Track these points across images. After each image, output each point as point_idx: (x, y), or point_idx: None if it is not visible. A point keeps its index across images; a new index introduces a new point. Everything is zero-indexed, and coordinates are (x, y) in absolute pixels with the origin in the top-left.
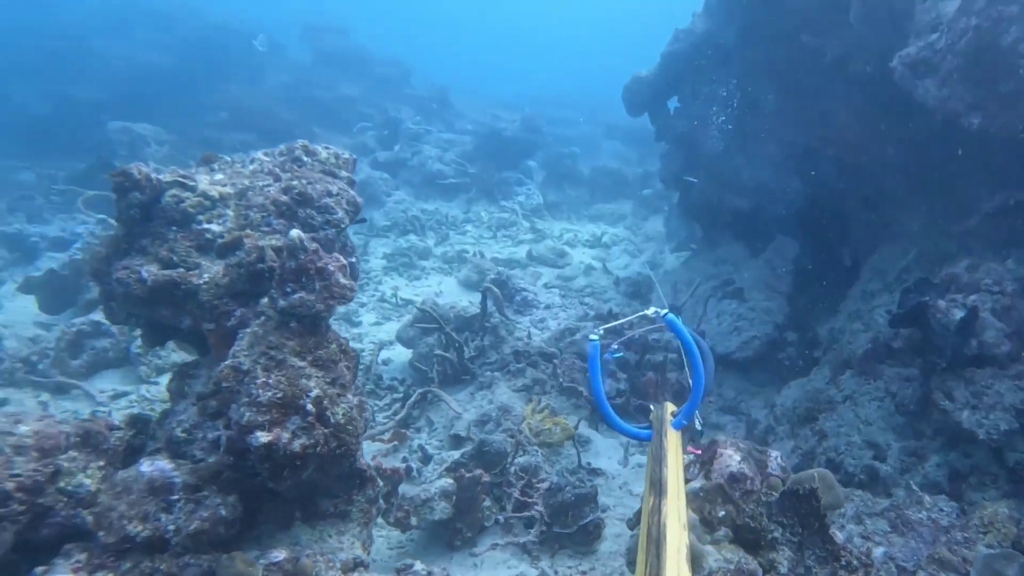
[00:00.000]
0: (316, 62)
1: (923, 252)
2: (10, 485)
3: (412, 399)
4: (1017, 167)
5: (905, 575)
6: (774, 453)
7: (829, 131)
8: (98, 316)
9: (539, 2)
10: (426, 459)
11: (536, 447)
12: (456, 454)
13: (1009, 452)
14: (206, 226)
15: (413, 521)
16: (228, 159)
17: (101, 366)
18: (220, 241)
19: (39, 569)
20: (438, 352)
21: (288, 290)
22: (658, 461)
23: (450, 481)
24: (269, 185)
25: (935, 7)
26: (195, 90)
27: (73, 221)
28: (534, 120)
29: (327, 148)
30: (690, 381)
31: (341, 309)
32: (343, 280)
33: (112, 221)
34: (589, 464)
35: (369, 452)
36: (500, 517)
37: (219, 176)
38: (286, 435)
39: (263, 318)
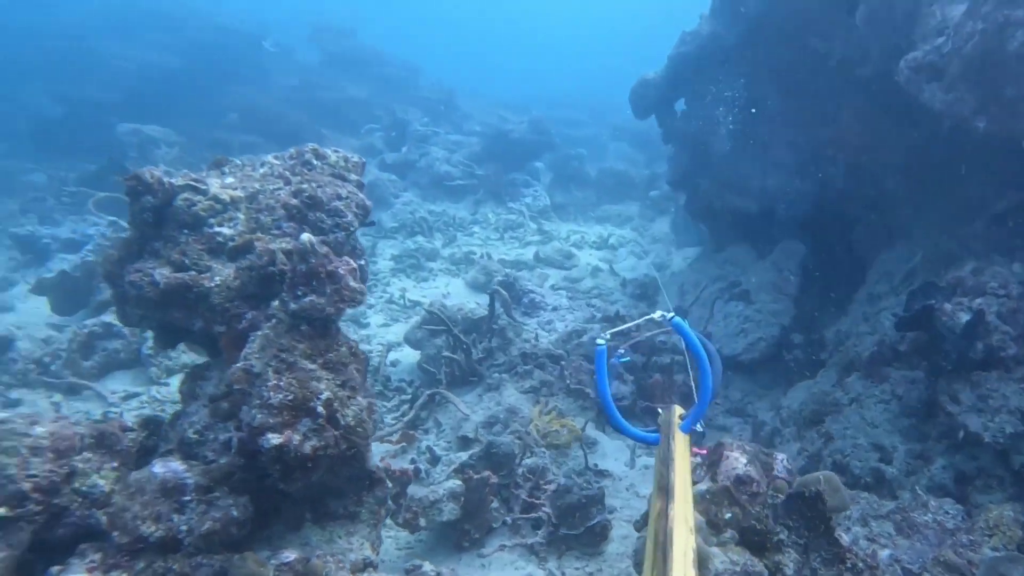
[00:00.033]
0: (324, 63)
1: (929, 255)
2: (27, 485)
3: (420, 401)
4: (1023, 170)
5: None
6: (780, 456)
7: (835, 133)
8: (109, 317)
9: (541, 3)
10: (434, 460)
11: (543, 449)
12: (464, 455)
13: (1015, 455)
14: (217, 229)
15: (422, 522)
16: (239, 162)
17: (112, 367)
18: (231, 244)
19: (55, 568)
20: (446, 354)
21: (299, 293)
22: (665, 465)
23: (458, 483)
24: (279, 188)
25: (941, 11)
26: (204, 92)
27: (84, 222)
28: (541, 122)
29: (336, 151)
30: (697, 384)
31: (349, 311)
32: (353, 283)
33: (123, 223)
34: (596, 465)
35: (377, 453)
36: (508, 518)
37: (230, 179)
38: (297, 437)
39: (274, 321)
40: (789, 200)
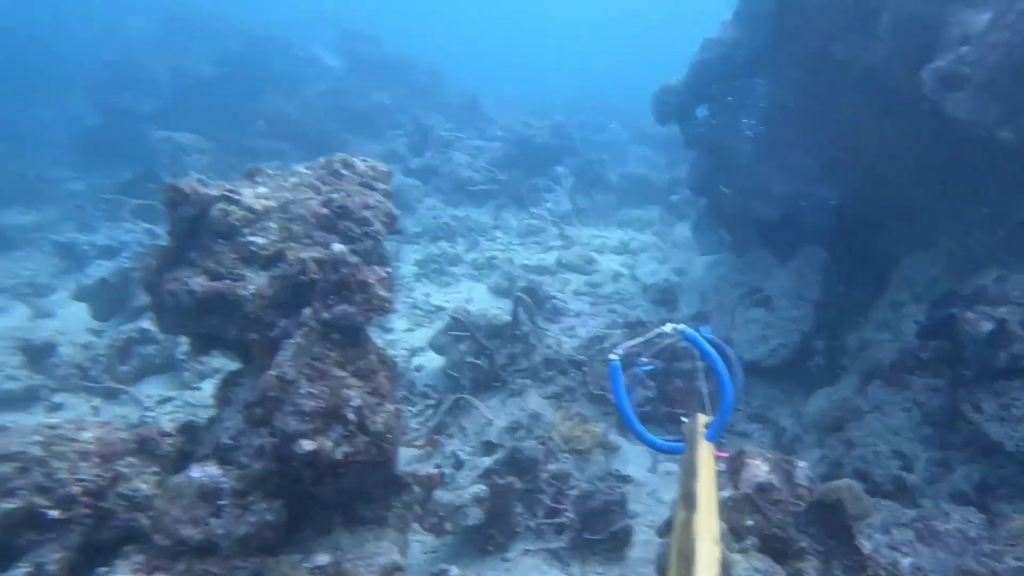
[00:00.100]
0: (350, 70)
1: (952, 263)
2: (76, 489)
3: (445, 406)
4: None
5: None
6: (801, 464)
7: (858, 140)
8: (145, 323)
9: (563, 9)
10: (459, 465)
11: (567, 454)
12: (488, 460)
13: None
14: (251, 239)
15: (447, 527)
16: (270, 172)
17: (148, 372)
18: (264, 253)
19: (102, 569)
20: (470, 359)
21: (330, 302)
22: (690, 474)
23: (483, 487)
24: (310, 198)
25: (966, 20)
26: (235, 99)
27: (119, 229)
28: (563, 127)
29: (365, 161)
30: (717, 390)
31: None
32: (382, 292)
33: (157, 230)
34: (618, 471)
35: (403, 458)
36: (532, 523)
37: (262, 189)
38: (329, 443)
39: (306, 329)
40: (811, 206)
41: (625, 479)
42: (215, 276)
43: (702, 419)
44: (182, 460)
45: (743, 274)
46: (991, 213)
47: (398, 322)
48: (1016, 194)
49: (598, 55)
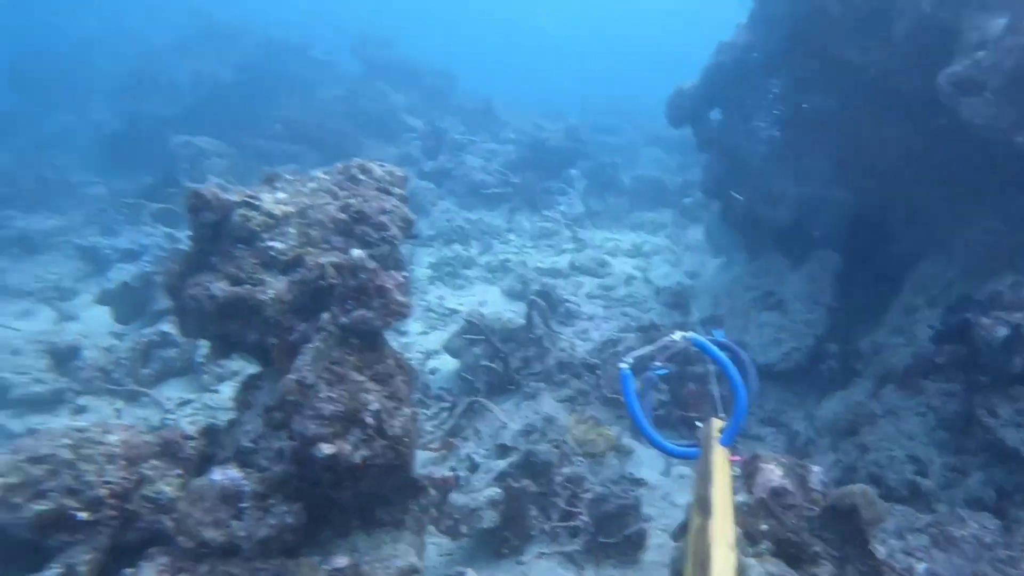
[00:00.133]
0: (365, 74)
1: (967, 267)
2: (104, 491)
3: (460, 409)
4: None
5: None
6: (815, 468)
7: (872, 144)
8: (165, 326)
9: (574, 11)
10: (473, 468)
11: (580, 457)
12: (503, 463)
13: None
14: (270, 244)
15: (463, 529)
16: (289, 177)
17: (168, 374)
18: (283, 258)
19: (128, 571)
20: (484, 363)
21: (349, 307)
22: (705, 479)
23: (498, 490)
24: (328, 203)
25: (982, 25)
26: (253, 103)
27: (140, 233)
28: (576, 129)
29: (382, 166)
30: (730, 393)
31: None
32: (400, 298)
33: (177, 234)
34: (631, 474)
35: (418, 461)
36: (546, 526)
37: (281, 195)
38: (348, 447)
39: (325, 334)
40: (825, 210)
41: (639, 482)
42: (236, 281)
43: (716, 424)
44: (204, 463)
45: (756, 277)
46: (1007, 218)
47: (412, 325)
48: None
49: (608, 57)
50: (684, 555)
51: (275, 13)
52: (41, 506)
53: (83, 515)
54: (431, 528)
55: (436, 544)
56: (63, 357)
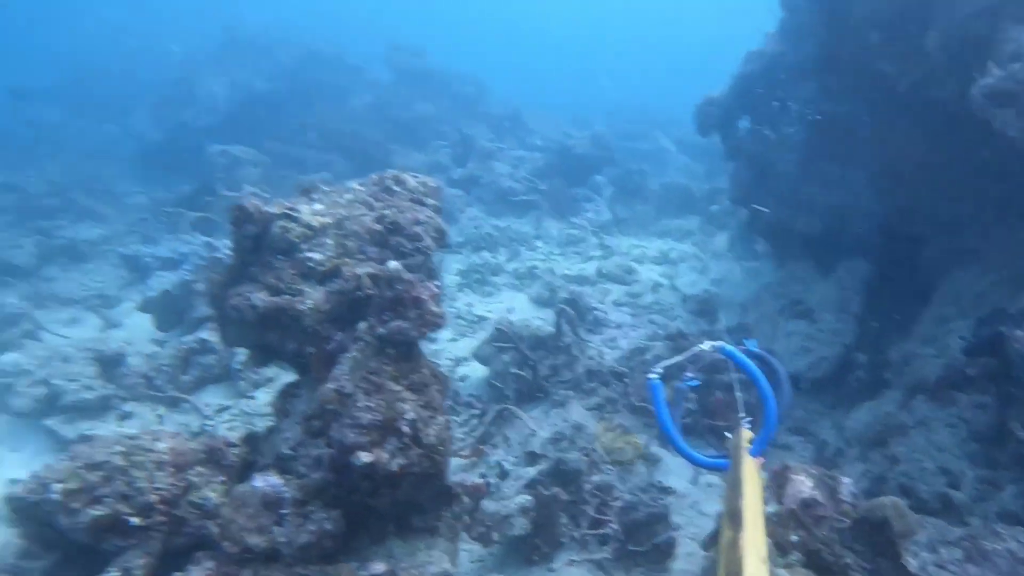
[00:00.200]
0: (396, 82)
1: (1000, 279)
2: (154, 497)
3: (490, 416)
4: None
5: None
6: (846, 480)
7: (904, 155)
8: (204, 334)
9: (600, 20)
10: (503, 475)
11: (609, 465)
12: (532, 471)
13: None
14: (308, 255)
15: (494, 536)
16: (326, 188)
17: (207, 381)
18: (320, 269)
19: (177, 574)
20: (513, 370)
21: (385, 318)
22: (735, 491)
23: (529, 498)
24: (364, 214)
25: (1018, 37)
26: (287, 112)
27: (179, 241)
28: (603, 137)
29: (415, 177)
30: (759, 401)
31: None
32: (435, 308)
33: (215, 243)
34: (660, 482)
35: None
36: (576, 534)
37: (319, 206)
38: (385, 455)
39: (362, 344)
40: (855, 219)
41: (667, 491)
42: (275, 291)
43: (746, 435)
44: (246, 469)
45: (784, 286)
46: None
47: (442, 332)
48: None
49: (635, 64)
50: (715, 567)
51: (307, 22)
52: (97, 511)
53: (136, 520)
54: (464, 535)
55: (468, 551)
56: (109, 364)
